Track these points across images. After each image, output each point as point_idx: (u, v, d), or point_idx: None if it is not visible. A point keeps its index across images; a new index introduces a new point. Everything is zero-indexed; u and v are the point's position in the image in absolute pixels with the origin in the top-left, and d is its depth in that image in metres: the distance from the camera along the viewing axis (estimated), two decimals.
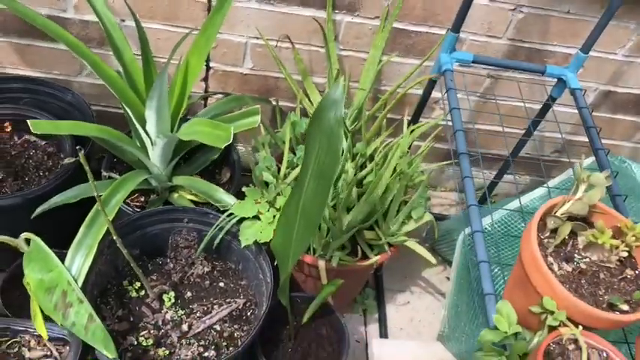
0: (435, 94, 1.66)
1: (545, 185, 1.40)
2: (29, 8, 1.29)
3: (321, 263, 1.37)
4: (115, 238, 1.19)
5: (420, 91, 1.66)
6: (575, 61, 1.45)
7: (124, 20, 1.49)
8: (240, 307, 1.38)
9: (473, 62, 1.44)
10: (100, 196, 1.18)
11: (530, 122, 1.53)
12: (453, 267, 1.54)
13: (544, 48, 1.63)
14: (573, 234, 0.94)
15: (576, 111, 1.42)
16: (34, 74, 1.62)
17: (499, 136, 1.76)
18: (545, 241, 0.93)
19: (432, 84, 1.51)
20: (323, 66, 1.63)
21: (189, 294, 1.40)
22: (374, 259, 1.37)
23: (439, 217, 1.91)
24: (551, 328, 0.86)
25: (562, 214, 0.93)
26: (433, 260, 1.40)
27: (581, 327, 0.84)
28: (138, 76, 1.41)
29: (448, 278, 1.83)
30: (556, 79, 1.50)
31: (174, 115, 1.40)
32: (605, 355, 0.84)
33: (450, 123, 1.35)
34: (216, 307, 1.38)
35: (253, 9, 1.49)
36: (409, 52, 1.61)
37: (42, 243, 1.23)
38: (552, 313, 0.85)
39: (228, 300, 1.39)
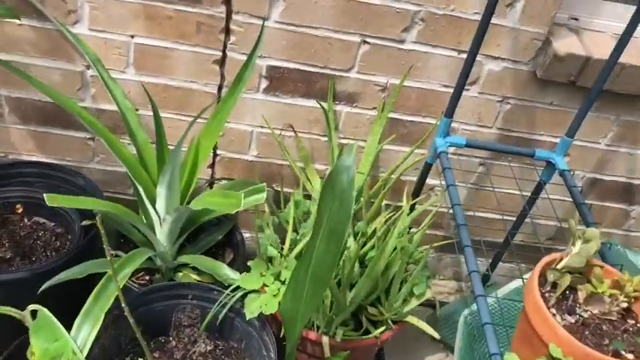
0: (431, 181, 1.74)
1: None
2: (71, 99, 1.43)
3: (325, 339, 1.37)
4: (123, 305, 1.20)
5: (414, 178, 1.74)
6: (561, 144, 1.55)
7: (137, 109, 1.59)
8: None
9: (466, 146, 1.54)
10: (112, 257, 1.21)
11: (525, 202, 1.60)
12: (455, 350, 1.54)
13: (531, 137, 1.73)
14: (573, 289, 0.98)
15: (565, 198, 1.51)
16: (47, 160, 1.69)
17: (495, 221, 1.83)
18: (547, 295, 0.96)
19: (427, 168, 1.60)
20: (323, 153, 1.72)
21: None
22: (377, 331, 1.37)
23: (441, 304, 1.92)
24: None
25: (561, 268, 0.97)
26: (436, 335, 1.41)
27: None
28: (150, 158, 1.49)
29: None
30: (545, 163, 1.59)
31: (184, 193, 1.46)
32: None
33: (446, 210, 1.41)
34: None
35: (259, 100, 1.60)
36: (405, 140, 1.71)
37: (49, 313, 1.23)
38: None
39: None
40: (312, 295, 1.12)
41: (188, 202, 1.47)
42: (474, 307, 1.57)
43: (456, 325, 1.63)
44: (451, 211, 1.39)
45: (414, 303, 1.44)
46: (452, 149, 1.64)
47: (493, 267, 1.88)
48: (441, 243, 1.61)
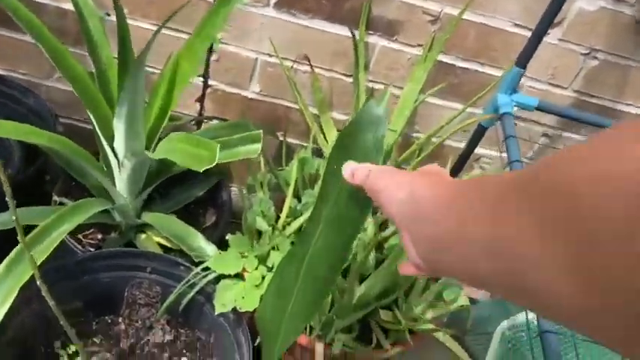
0: (478, 149, 1.36)
1: None
2: None
3: (319, 347, 1.03)
4: (39, 283, 0.85)
5: (460, 144, 1.37)
6: None
7: (109, 14, 1.21)
8: None
9: (537, 109, 1.15)
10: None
11: None
12: None
13: (616, 107, 1.33)
14: None
15: None
16: None
17: None
18: None
19: (481, 132, 1.21)
20: (346, 99, 1.34)
21: None
22: (393, 351, 1.02)
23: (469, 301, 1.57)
24: None
25: None
26: None
27: None
28: (115, 80, 1.11)
29: None
30: None
31: (154, 129, 1.10)
32: None
33: None
34: None
35: (269, 17, 1.21)
36: (454, 93, 1.31)
37: None
38: None
39: None
40: (302, 304, 0.76)
41: (158, 144, 1.11)
42: (517, 318, 1.22)
43: (487, 336, 1.29)
44: None
45: (440, 310, 1.09)
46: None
47: None
48: None
